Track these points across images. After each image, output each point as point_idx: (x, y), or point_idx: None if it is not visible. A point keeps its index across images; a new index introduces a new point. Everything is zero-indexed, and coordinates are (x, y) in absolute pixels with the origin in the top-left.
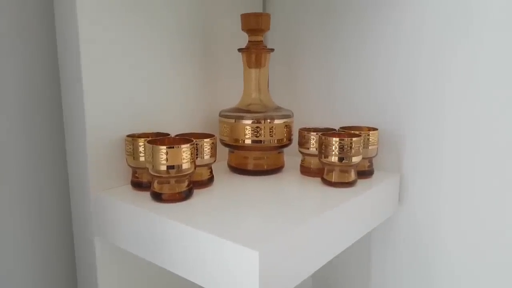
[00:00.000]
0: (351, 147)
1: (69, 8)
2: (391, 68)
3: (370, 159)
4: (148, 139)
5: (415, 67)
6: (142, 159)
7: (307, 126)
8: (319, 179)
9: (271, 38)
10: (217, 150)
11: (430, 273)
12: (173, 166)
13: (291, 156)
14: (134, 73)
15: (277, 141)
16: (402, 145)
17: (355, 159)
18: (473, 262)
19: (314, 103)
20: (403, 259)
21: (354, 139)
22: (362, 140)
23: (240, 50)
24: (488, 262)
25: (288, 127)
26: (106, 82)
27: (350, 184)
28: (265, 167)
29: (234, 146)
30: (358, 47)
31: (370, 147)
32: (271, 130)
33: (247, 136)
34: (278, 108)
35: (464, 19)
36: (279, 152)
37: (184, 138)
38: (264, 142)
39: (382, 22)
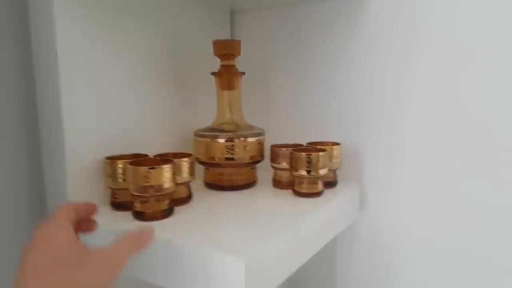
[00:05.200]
0: (318, 161)
1: (49, 36)
2: (351, 87)
3: (334, 171)
4: (129, 160)
5: (367, 87)
6: (120, 180)
7: (278, 143)
8: (290, 191)
9: (243, 61)
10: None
11: (391, 272)
12: (155, 186)
13: (261, 171)
14: (111, 95)
15: (250, 157)
16: (361, 157)
17: (322, 172)
18: (425, 257)
19: (283, 121)
20: (365, 259)
21: (320, 153)
22: (327, 154)
23: (213, 73)
24: (443, 262)
25: (260, 144)
26: (85, 104)
27: (318, 194)
28: (240, 182)
29: (210, 163)
30: (322, 68)
31: (334, 160)
32: (244, 148)
33: (222, 154)
34: (250, 127)
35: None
36: (252, 168)
37: (164, 159)
38: (238, 159)
39: (339, 47)
